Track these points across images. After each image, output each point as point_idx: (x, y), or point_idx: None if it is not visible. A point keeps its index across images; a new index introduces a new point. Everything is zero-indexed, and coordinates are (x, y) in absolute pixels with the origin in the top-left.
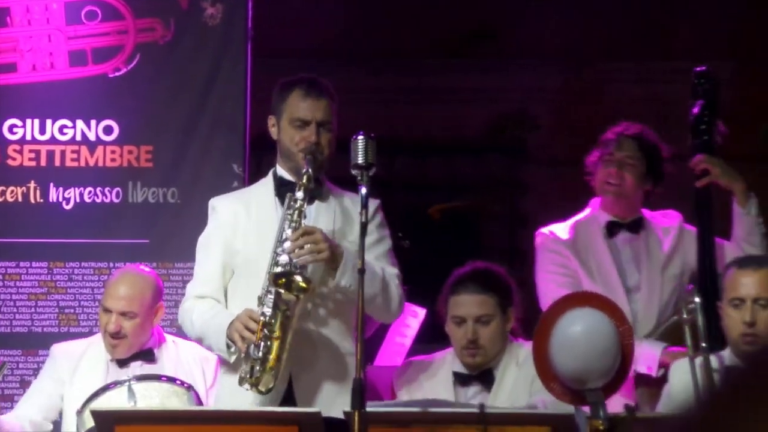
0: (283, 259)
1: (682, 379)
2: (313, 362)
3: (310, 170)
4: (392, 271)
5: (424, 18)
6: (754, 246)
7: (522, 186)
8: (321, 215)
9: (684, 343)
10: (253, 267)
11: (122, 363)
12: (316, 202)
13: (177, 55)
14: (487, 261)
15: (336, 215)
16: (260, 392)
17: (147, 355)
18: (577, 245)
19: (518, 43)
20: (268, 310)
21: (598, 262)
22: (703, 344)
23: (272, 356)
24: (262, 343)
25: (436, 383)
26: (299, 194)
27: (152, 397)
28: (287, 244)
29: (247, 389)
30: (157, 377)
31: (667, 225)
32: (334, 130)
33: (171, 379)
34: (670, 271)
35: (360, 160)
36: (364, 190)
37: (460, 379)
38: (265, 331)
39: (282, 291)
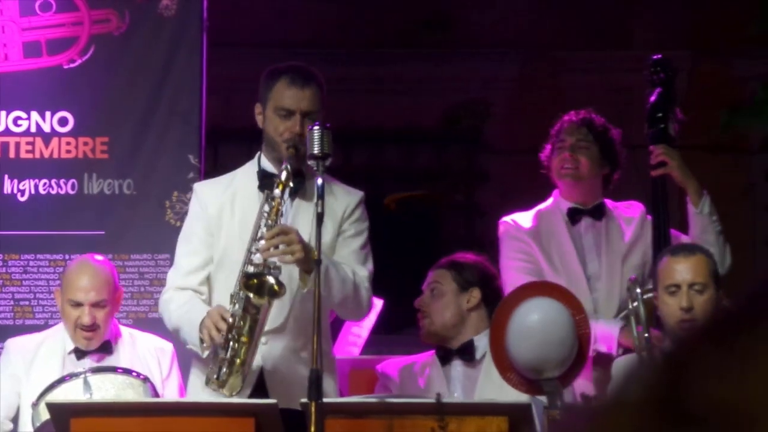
0: (257, 258)
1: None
2: (285, 353)
3: (289, 167)
4: (363, 274)
5: (379, 8)
6: (710, 244)
7: (479, 175)
8: (300, 213)
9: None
10: (233, 261)
11: (80, 355)
12: (297, 199)
13: (132, 47)
14: (446, 250)
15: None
16: (226, 395)
17: (105, 347)
18: (540, 234)
19: (474, 32)
20: (238, 312)
21: (560, 250)
22: (646, 335)
23: (240, 359)
24: (231, 344)
25: (422, 374)
26: (277, 192)
27: (108, 390)
28: (262, 243)
29: (213, 389)
30: (113, 369)
31: (630, 215)
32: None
33: (127, 371)
34: (632, 261)
35: (316, 150)
36: (320, 181)
37: (440, 354)
38: (234, 332)
39: (252, 295)
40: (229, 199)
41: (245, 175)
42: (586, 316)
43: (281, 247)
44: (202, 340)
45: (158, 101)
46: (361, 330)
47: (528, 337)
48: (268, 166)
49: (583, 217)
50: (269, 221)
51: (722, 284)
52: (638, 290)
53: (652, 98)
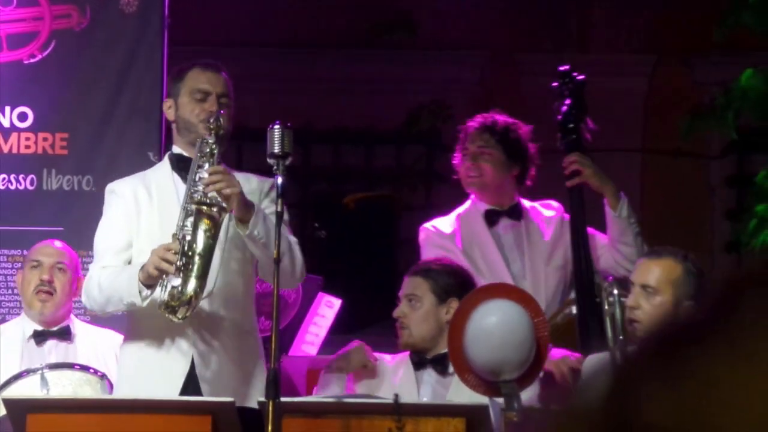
0: (199, 196)
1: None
2: (215, 342)
3: (219, 116)
4: (292, 238)
5: (340, 8)
6: (629, 245)
7: (438, 176)
8: None
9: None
10: (154, 243)
11: (39, 340)
12: None
13: (93, 43)
14: (404, 251)
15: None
16: (177, 319)
17: (64, 332)
18: (462, 238)
19: (434, 33)
20: (187, 234)
21: (483, 252)
22: (621, 337)
23: (192, 286)
24: (182, 272)
25: (395, 375)
26: (211, 138)
27: (65, 386)
28: (201, 182)
29: (166, 315)
30: (70, 365)
31: (548, 216)
32: (231, 108)
33: (84, 368)
34: (554, 263)
35: (276, 149)
36: (280, 180)
37: (414, 360)
38: (184, 259)
39: (204, 208)
40: (145, 187)
41: (157, 168)
42: (544, 318)
43: (221, 183)
44: (140, 290)
45: (119, 98)
46: (319, 330)
47: (486, 339)
48: (183, 152)
49: (501, 219)
50: (206, 164)
51: (694, 295)
52: (615, 291)
53: (563, 109)
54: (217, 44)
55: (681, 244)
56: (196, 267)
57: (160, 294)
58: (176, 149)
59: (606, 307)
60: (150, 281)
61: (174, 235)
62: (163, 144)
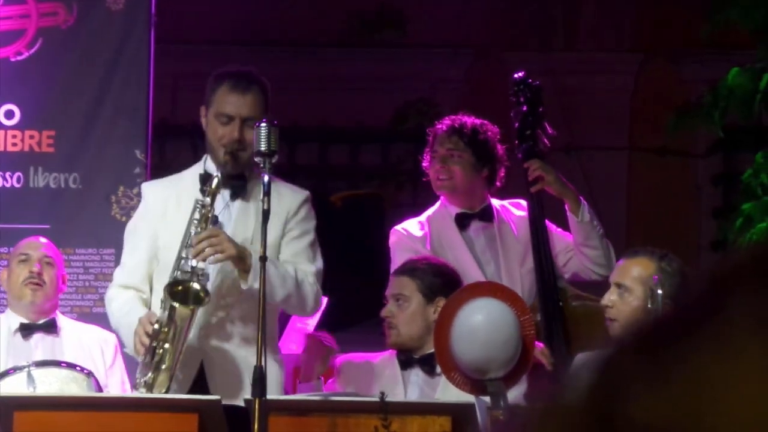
0: (188, 265)
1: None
2: (224, 350)
3: (220, 175)
4: (308, 269)
5: (328, 5)
6: (595, 248)
7: (426, 174)
8: (244, 214)
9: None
10: (172, 261)
11: (26, 333)
12: (240, 201)
13: (80, 40)
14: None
15: (259, 215)
16: None
17: (50, 325)
18: (432, 240)
19: (422, 31)
20: (163, 318)
21: (455, 255)
22: None
23: (165, 365)
24: (156, 350)
25: (382, 374)
26: (207, 200)
27: (51, 383)
28: (190, 252)
29: (141, 392)
30: (57, 363)
31: (519, 215)
32: (266, 120)
33: (71, 366)
34: (527, 265)
35: (263, 147)
36: (266, 178)
37: (401, 358)
38: (161, 338)
39: (176, 305)
40: (174, 200)
41: (191, 177)
42: (530, 317)
43: (210, 249)
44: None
45: (105, 95)
46: (306, 327)
47: (472, 337)
48: (212, 168)
49: (473, 221)
50: (199, 228)
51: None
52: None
53: (520, 116)
54: (203, 42)
55: (667, 242)
56: (165, 360)
57: (142, 368)
58: (208, 163)
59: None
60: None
61: (161, 302)
62: (150, 141)
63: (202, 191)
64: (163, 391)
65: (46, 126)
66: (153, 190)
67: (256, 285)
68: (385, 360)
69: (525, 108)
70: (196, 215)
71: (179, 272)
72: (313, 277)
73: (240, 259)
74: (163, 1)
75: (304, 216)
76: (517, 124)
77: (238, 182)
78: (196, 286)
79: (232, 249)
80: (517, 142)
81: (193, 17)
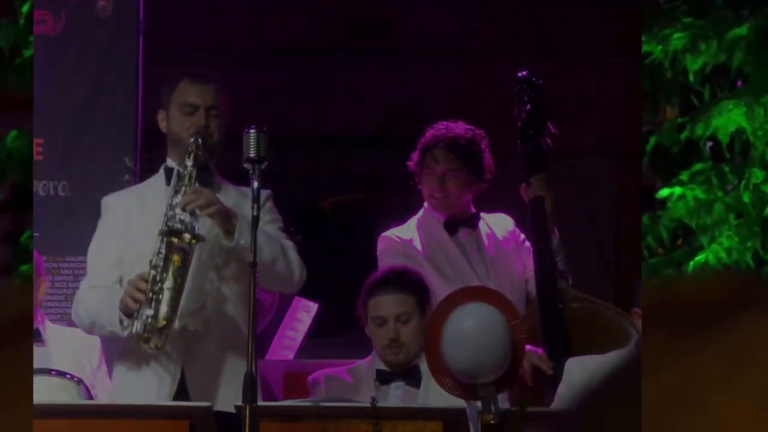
0: (174, 221)
1: (582, 377)
2: (205, 354)
3: (198, 140)
4: (288, 243)
5: (317, 10)
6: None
7: (415, 180)
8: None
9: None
10: (145, 261)
11: None
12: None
13: (68, 48)
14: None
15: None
16: (151, 348)
17: (35, 335)
18: (424, 244)
19: (412, 36)
20: (159, 263)
21: (447, 258)
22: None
23: (162, 315)
24: (154, 302)
25: (358, 386)
26: (189, 162)
27: (41, 391)
28: (178, 206)
29: (142, 345)
30: (47, 371)
31: (504, 226)
32: (223, 117)
33: (61, 373)
34: (516, 272)
35: (252, 153)
36: (256, 184)
37: (383, 377)
38: (156, 288)
39: (174, 240)
40: (138, 202)
41: (152, 181)
42: (521, 321)
43: (198, 201)
44: (121, 321)
45: (94, 103)
46: (296, 334)
47: (463, 342)
48: (176, 165)
49: (460, 227)
50: (183, 188)
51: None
52: None
53: (522, 116)
54: (193, 48)
55: None
56: (166, 299)
57: (136, 324)
58: (170, 162)
59: None
60: (128, 311)
61: (150, 262)
62: (139, 149)
63: (169, 181)
64: (160, 345)
65: (36, 133)
66: (115, 202)
67: (242, 241)
68: (361, 373)
69: (529, 107)
70: (178, 176)
71: (167, 226)
72: (293, 250)
73: (226, 216)
74: (153, 7)
75: (270, 208)
76: (520, 124)
77: (202, 174)
78: (187, 234)
79: (218, 206)
80: (519, 142)
81: (184, 23)
